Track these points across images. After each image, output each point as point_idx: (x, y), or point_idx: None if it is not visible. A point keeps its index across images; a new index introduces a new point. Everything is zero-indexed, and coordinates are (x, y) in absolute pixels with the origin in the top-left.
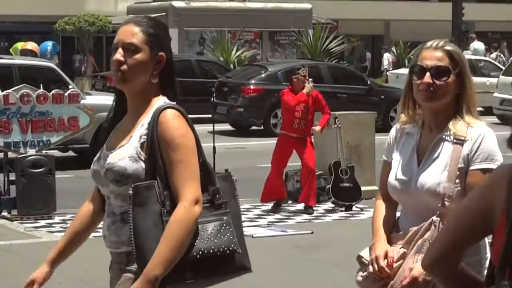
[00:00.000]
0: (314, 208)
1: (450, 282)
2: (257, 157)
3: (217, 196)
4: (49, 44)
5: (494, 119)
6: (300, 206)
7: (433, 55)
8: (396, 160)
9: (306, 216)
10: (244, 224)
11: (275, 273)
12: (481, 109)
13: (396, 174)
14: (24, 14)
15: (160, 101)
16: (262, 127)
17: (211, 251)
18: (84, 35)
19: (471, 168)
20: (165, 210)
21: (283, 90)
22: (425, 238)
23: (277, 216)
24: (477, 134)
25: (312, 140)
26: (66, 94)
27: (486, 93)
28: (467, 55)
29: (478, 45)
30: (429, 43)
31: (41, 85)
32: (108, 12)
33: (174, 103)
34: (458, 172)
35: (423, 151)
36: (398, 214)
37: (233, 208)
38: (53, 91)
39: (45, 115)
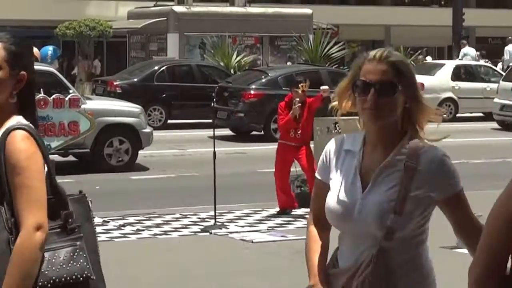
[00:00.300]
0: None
1: None
2: (257, 162)
3: (70, 220)
4: (49, 49)
5: (494, 124)
6: (300, 211)
7: (377, 68)
8: (336, 181)
9: (306, 221)
10: (244, 229)
11: (275, 279)
12: (481, 114)
13: (337, 198)
14: (25, 19)
15: (12, 120)
16: (262, 132)
17: (63, 279)
18: (84, 40)
19: (447, 195)
20: (12, 238)
21: (280, 103)
22: (365, 275)
23: (277, 221)
24: (432, 157)
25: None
26: (66, 98)
27: (486, 98)
28: (468, 61)
29: (468, 50)
30: (372, 54)
31: (41, 89)
32: (108, 17)
33: (28, 123)
34: (408, 201)
35: (368, 173)
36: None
37: (87, 232)
38: (53, 96)
39: (46, 120)
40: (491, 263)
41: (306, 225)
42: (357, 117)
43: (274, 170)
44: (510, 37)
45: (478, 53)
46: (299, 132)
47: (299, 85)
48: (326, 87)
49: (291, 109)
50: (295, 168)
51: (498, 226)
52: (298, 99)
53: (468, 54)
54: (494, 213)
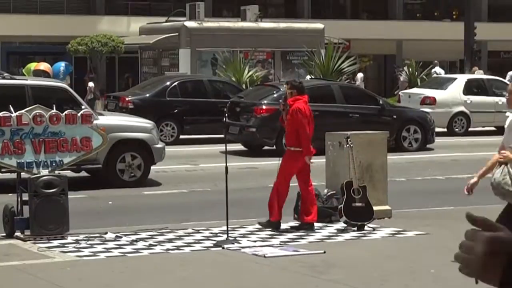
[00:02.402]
0: (326, 227)
1: None
2: (269, 176)
3: None
4: (61, 65)
5: None
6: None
7: None
8: None
9: (318, 236)
10: (256, 244)
11: None
12: (493, 128)
13: None
14: (37, 35)
15: None
16: (274, 147)
17: None
18: (96, 56)
19: None
20: None
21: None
22: None
23: (289, 235)
24: None
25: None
26: (78, 114)
27: (498, 112)
28: (479, 75)
29: (439, 70)
30: None
31: (54, 105)
32: (120, 32)
33: None
34: None
35: None
36: None
37: None
38: (65, 112)
39: (58, 136)
40: None
41: (318, 240)
42: (369, 132)
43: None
44: (435, 61)
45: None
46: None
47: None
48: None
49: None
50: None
51: None
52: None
53: (441, 74)
54: None
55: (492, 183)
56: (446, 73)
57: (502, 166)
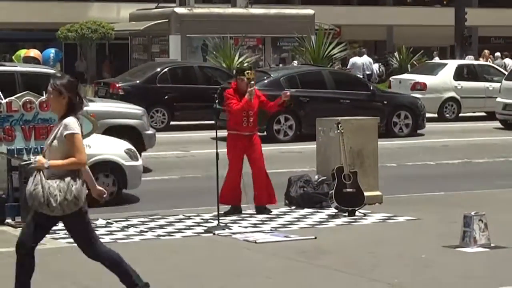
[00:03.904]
0: (317, 213)
1: None
2: None
3: None
4: (51, 51)
5: (497, 124)
6: (304, 211)
7: None
8: None
9: (309, 222)
10: (247, 229)
11: (279, 279)
12: (484, 114)
13: None
14: (27, 22)
15: None
16: (265, 133)
17: None
18: (86, 42)
19: None
20: None
21: (227, 90)
22: None
23: (280, 221)
24: None
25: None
26: None
27: (489, 98)
28: (470, 60)
29: (356, 60)
30: None
31: (44, 92)
32: (110, 19)
33: None
34: None
35: None
36: None
37: None
38: None
39: (48, 122)
40: None
41: (309, 226)
42: (359, 118)
43: (268, 169)
44: (363, 50)
45: (370, 60)
46: (251, 120)
47: (245, 73)
48: (287, 92)
49: (241, 96)
50: (299, 169)
51: None
52: (252, 82)
53: (355, 64)
54: None
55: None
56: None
57: (35, 173)
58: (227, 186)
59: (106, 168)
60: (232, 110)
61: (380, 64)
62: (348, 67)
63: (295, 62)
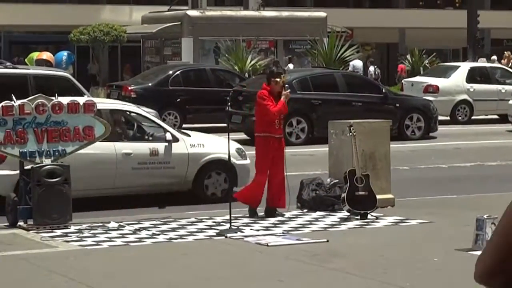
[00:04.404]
0: (329, 216)
1: None
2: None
3: None
4: (64, 54)
5: (510, 126)
6: (316, 214)
7: None
8: None
9: (321, 225)
10: (259, 232)
11: (290, 282)
12: (496, 116)
13: None
14: (39, 24)
15: None
16: None
17: None
18: (99, 45)
19: None
20: None
21: (262, 91)
22: None
23: (292, 224)
24: None
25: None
26: (81, 103)
27: (501, 100)
28: (483, 63)
29: (357, 63)
30: None
31: (56, 94)
32: (122, 21)
33: None
34: None
35: None
36: None
37: None
38: (68, 101)
39: (61, 125)
40: (498, 260)
41: (321, 229)
42: (371, 120)
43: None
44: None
45: (372, 60)
46: (281, 122)
47: (281, 76)
48: (287, 92)
49: (275, 99)
50: (311, 172)
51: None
52: (286, 85)
53: (356, 67)
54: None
55: None
56: (448, 61)
57: None
58: (267, 188)
59: (219, 166)
60: (271, 112)
61: (375, 66)
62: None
63: (291, 66)
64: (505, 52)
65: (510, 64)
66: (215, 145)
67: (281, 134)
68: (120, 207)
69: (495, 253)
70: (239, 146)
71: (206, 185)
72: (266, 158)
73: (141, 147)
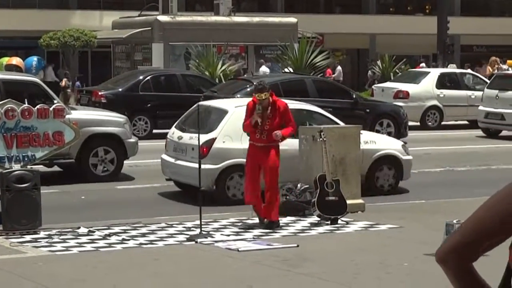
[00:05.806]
0: (300, 221)
1: (459, 278)
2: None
3: None
4: (34, 59)
5: (479, 132)
6: (286, 219)
7: None
8: None
9: (291, 230)
10: (229, 238)
11: (261, 287)
12: (466, 122)
13: None
14: (9, 29)
15: None
16: None
17: None
18: (69, 50)
19: None
20: None
21: (249, 102)
22: None
23: (263, 230)
24: None
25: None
26: (51, 109)
27: (471, 106)
28: (452, 69)
29: (264, 68)
30: None
31: (26, 100)
32: (93, 27)
33: None
34: None
35: None
36: None
37: None
38: (38, 106)
39: (30, 130)
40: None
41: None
42: (342, 126)
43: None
44: (261, 60)
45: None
46: (265, 133)
47: (262, 94)
48: (276, 133)
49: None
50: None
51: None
52: (260, 106)
53: (266, 73)
54: (489, 204)
55: None
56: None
57: None
58: (250, 191)
59: (390, 161)
60: (244, 125)
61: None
62: (335, 74)
63: (265, 68)
64: (492, 57)
65: (495, 68)
66: (385, 142)
67: (266, 143)
68: (90, 213)
69: (469, 230)
70: (402, 142)
71: (377, 177)
72: (251, 164)
73: None
